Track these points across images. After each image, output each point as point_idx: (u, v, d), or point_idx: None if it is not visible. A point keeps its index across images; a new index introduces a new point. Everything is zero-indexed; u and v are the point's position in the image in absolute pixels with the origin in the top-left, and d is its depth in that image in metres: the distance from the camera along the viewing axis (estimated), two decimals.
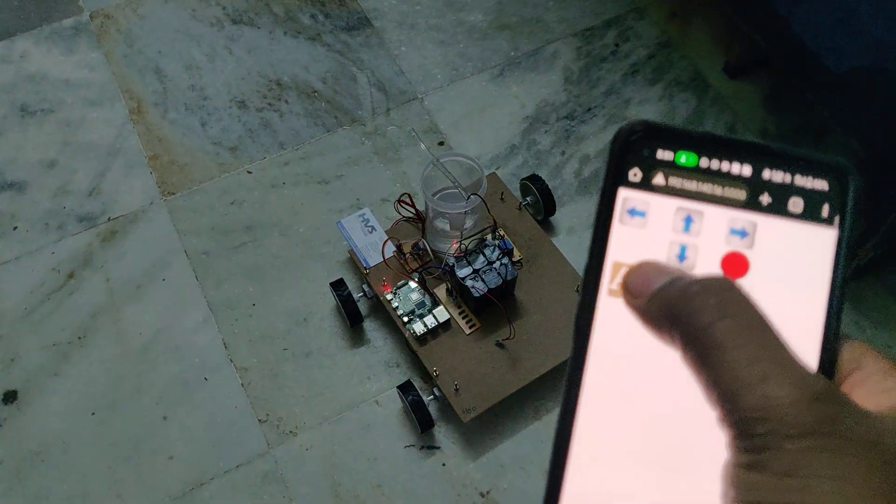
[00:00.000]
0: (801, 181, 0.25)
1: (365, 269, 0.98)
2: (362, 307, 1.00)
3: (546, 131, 1.15)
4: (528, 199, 1.05)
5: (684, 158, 0.25)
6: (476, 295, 0.92)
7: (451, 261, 0.94)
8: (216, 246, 1.06)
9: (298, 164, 1.12)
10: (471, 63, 1.21)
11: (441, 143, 1.13)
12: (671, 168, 0.25)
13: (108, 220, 1.08)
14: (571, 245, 1.05)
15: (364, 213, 1.02)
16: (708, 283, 0.23)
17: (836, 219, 0.25)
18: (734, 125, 1.15)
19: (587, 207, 1.09)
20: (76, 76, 1.19)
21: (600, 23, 1.24)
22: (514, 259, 0.98)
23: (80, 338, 1.00)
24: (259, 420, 0.95)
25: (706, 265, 0.25)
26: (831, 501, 0.20)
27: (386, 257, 0.98)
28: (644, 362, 0.25)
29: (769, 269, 0.25)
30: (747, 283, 0.25)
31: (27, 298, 1.02)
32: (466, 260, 0.94)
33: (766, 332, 0.22)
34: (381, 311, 1.00)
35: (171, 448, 0.94)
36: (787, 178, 0.25)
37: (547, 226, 1.07)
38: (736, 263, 0.25)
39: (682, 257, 0.25)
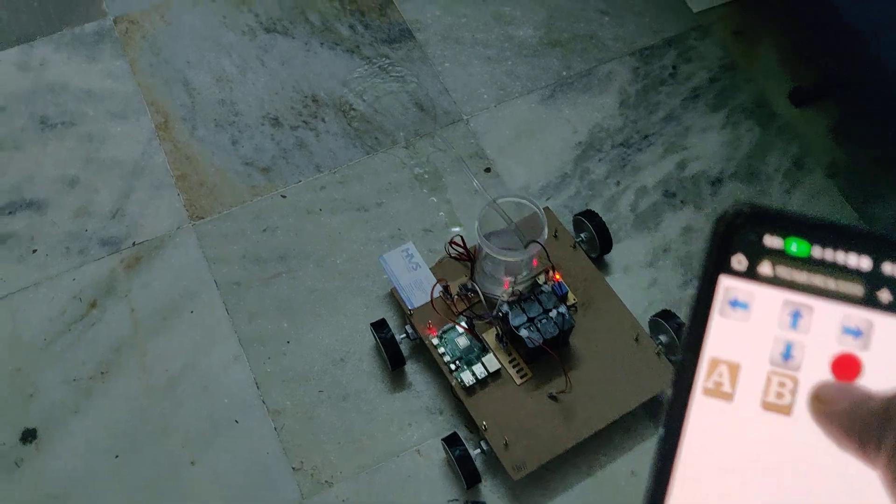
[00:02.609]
0: None
1: (409, 309, 0.97)
2: (404, 348, 0.98)
3: (600, 159, 1.13)
4: (582, 235, 1.04)
5: (795, 247, 0.24)
6: (531, 346, 0.90)
7: (505, 308, 0.92)
8: (248, 276, 1.04)
9: (336, 188, 1.11)
10: (519, 82, 1.19)
11: (488, 170, 1.12)
12: (780, 257, 0.24)
13: (133, 244, 1.07)
14: (627, 285, 1.04)
15: (408, 248, 1.01)
16: None
17: None
18: (801, 158, 1.13)
19: (644, 244, 1.07)
20: (99, 86, 1.18)
21: (659, 41, 1.22)
22: (568, 303, 0.97)
23: (102, 373, 0.98)
24: (293, 468, 0.94)
25: (814, 366, 0.24)
26: None
27: (432, 298, 0.96)
28: (740, 472, 0.23)
29: (884, 374, 0.23)
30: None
31: (47, 328, 1.01)
32: (520, 306, 0.92)
33: None
34: (424, 352, 0.99)
35: (199, 495, 0.93)
36: None
37: (601, 263, 1.05)
38: (847, 366, 0.24)
39: (787, 356, 0.24)
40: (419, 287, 0.98)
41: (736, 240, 0.24)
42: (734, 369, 0.24)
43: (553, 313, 0.92)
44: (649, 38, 1.22)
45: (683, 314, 1.02)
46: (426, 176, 1.11)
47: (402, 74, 1.19)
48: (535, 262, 0.94)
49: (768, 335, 0.24)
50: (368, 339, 1.00)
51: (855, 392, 0.23)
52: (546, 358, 0.93)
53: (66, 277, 1.04)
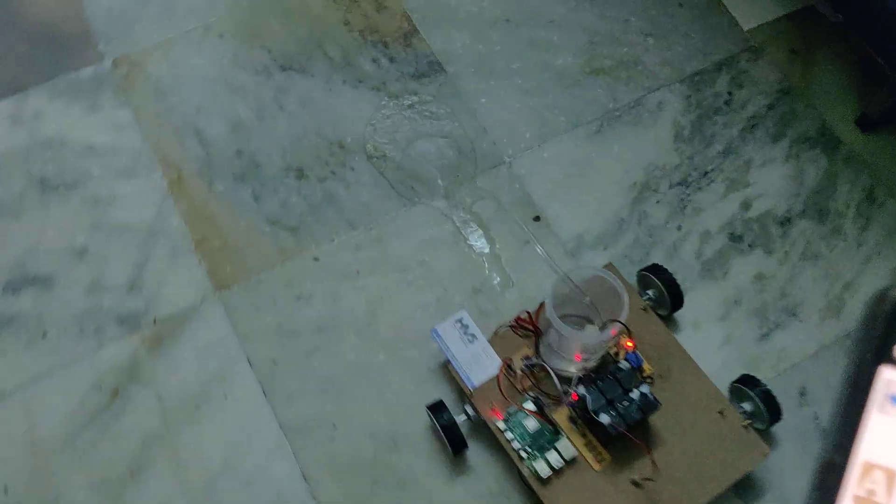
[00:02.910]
0: None
1: (470, 390, 0.88)
2: (464, 428, 0.89)
3: (658, 201, 1.04)
4: (649, 292, 0.95)
5: None
6: (613, 433, 0.82)
7: (581, 390, 0.83)
8: (284, 352, 0.95)
9: (372, 247, 1.01)
10: (563, 117, 1.09)
11: (537, 219, 1.02)
12: None
13: (154, 321, 0.97)
14: (698, 344, 0.95)
15: (461, 318, 0.92)
16: None
17: None
18: (873, 189, 1.05)
19: (713, 295, 0.98)
20: (102, 140, 1.07)
21: (710, 65, 1.13)
22: (644, 375, 0.88)
23: (132, 473, 0.89)
24: None
25: None
26: None
27: (495, 376, 0.87)
28: None
29: None
30: None
31: (66, 423, 0.91)
32: (596, 386, 0.84)
33: None
34: (484, 431, 0.90)
35: None
36: None
37: (668, 321, 0.96)
38: None
39: None
40: (478, 362, 0.89)
41: None
42: (892, 477, 0.21)
43: (634, 394, 0.84)
44: (699, 61, 1.13)
45: (762, 372, 0.94)
46: (470, 228, 1.02)
47: (435, 113, 1.10)
48: (612, 332, 0.86)
49: None
50: (421, 416, 0.91)
51: None
52: (625, 438, 0.84)
53: (83, 363, 0.94)
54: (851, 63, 1.14)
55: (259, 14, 1.16)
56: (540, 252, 0.98)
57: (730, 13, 1.16)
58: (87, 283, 0.99)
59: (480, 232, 1.02)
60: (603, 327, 0.83)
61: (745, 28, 1.16)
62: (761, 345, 0.96)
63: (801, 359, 0.95)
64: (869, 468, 0.21)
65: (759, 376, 0.94)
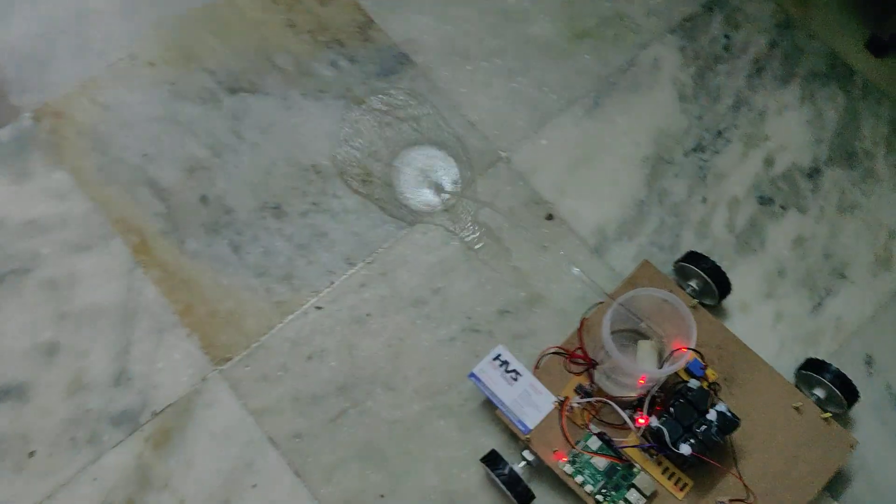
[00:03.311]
0: None
1: (525, 435, 0.79)
2: (525, 475, 0.80)
3: (676, 174, 0.94)
4: (691, 284, 0.86)
5: None
6: (695, 465, 0.74)
7: (655, 423, 0.75)
8: (308, 423, 0.84)
9: (378, 283, 0.90)
10: (554, 95, 0.98)
11: (550, 217, 0.92)
12: None
13: (153, 414, 0.85)
14: (751, 328, 0.88)
15: (499, 354, 0.82)
16: None
17: None
18: None
19: (755, 270, 0.90)
20: (43, 212, 0.93)
21: (699, 8, 1.02)
22: (710, 381, 0.80)
23: None
24: None
25: None
26: None
27: (549, 415, 0.78)
28: None
29: None
30: None
31: None
32: (669, 413, 0.75)
33: None
34: (548, 473, 0.81)
35: None
36: None
37: (716, 311, 0.88)
38: None
39: None
40: (528, 401, 0.80)
41: None
42: None
43: (711, 415, 0.76)
44: (686, 4, 1.02)
45: (823, 346, 0.86)
46: (481, 241, 0.91)
47: (414, 115, 0.97)
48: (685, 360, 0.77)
49: None
50: (476, 469, 0.82)
51: None
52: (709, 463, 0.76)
53: (83, 479, 0.83)
54: None
55: (189, 31, 1.00)
56: (577, 274, 0.88)
57: None
58: (67, 385, 0.86)
59: (492, 244, 0.91)
60: (658, 348, 0.74)
61: None
62: (815, 316, 0.89)
63: (859, 324, 0.88)
64: None
65: (821, 352, 0.87)
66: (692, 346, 0.72)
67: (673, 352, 0.76)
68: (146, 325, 0.88)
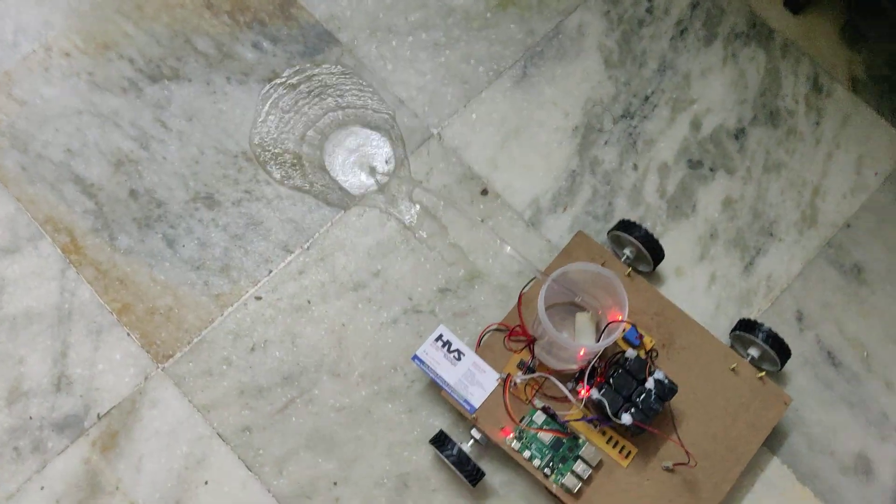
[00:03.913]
0: None
1: (471, 414, 0.79)
2: (474, 454, 0.80)
3: (606, 142, 0.93)
4: (626, 252, 0.86)
5: None
6: (637, 433, 0.75)
7: (595, 394, 0.75)
8: (256, 416, 0.83)
9: (317, 269, 0.88)
10: (482, 67, 0.96)
11: (484, 192, 0.91)
12: None
13: (98, 418, 0.83)
14: (686, 292, 0.88)
15: (441, 335, 0.81)
16: None
17: None
18: (817, 77, 0.97)
19: (688, 235, 0.91)
20: None
21: None
22: (648, 349, 0.81)
23: None
24: None
25: None
26: None
27: (493, 393, 0.78)
28: None
29: None
30: None
31: None
32: (608, 384, 0.76)
33: None
34: (497, 449, 0.81)
35: None
36: None
37: (651, 276, 0.88)
38: None
39: None
40: (472, 380, 0.80)
41: None
42: None
43: (649, 383, 0.76)
44: None
45: (755, 305, 0.88)
46: (417, 221, 0.90)
47: (341, 93, 0.94)
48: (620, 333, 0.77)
49: None
50: (427, 449, 0.82)
51: None
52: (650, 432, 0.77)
53: (31, 489, 0.80)
54: None
55: (105, 18, 0.95)
56: (511, 253, 0.87)
57: None
58: (5, 394, 0.83)
59: (429, 223, 0.90)
60: (594, 320, 0.75)
61: None
62: (748, 276, 0.90)
63: (789, 281, 0.90)
64: None
65: (754, 311, 0.88)
66: (625, 317, 0.72)
67: (609, 323, 0.76)
68: (83, 327, 0.85)
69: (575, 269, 0.74)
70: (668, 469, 0.78)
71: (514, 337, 0.80)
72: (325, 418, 0.83)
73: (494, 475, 0.82)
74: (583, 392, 0.77)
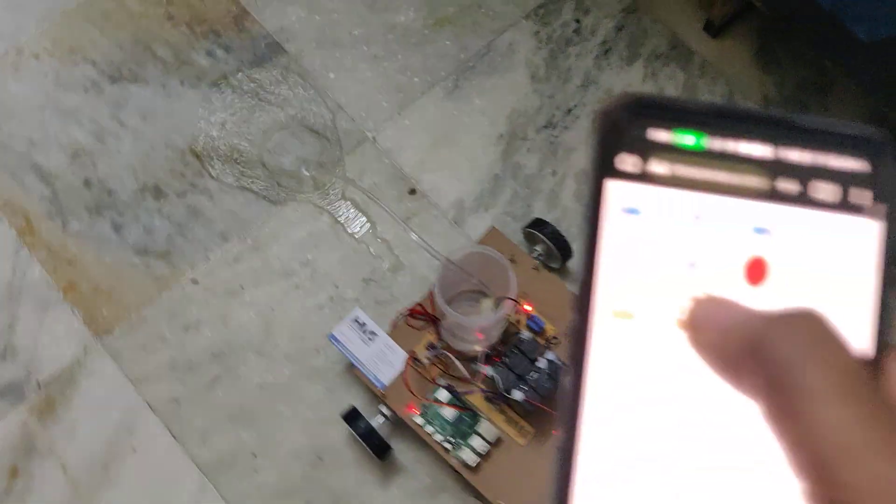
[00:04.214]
0: (837, 161, 0.21)
1: (381, 390, 0.84)
2: (384, 431, 0.85)
3: (528, 149, 0.99)
4: (537, 248, 0.91)
5: (687, 139, 0.21)
6: (529, 409, 0.80)
7: (489, 371, 0.80)
8: (184, 389, 0.88)
9: (251, 257, 0.94)
10: (417, 77, 1.02)
11: (413, 192, 0.97)
12: (673, 152, 0.21)
13: (39, 386, 0.88)
14: None
15: (357, 316, 0.86)
16: (800, 321, 0.19)
17: (881, 208, 0.21)
18: (731, 95, 1.03)
19: None
20: None
21: None
22: (548, 337, 0.86)
23: None
24: None
25: (719, 268, 0.21)
26: None
27: (402, 372, 0.83)
28: (650, 390, 0.21)
29: (795, 274, 0.21)
30: (768, 291, 0.21)
31: None
32: (504, 363, 0.81)
33: (863, 384, 0.18)
34: (407, 427, 0.86)
35: None
36: (817, 158, 0.21)
37: (564, 273, 0.94)
38: (754, 268, 0.21)
39: (689, 263, 0.21)
40: (383, 359, 0.85)
41: (620, 137, 0.21)
42: (636, 283, 0.21)
43: (541, 363, 0.81)
44: None
45: None
46: (347, 216, 0.96)
47: (285, 99, 1.01)
48: (505, 310, 0.82)
49: (667, 242, 0.21)
50: (342, 426, 0.87)
51: (730, 312, 0.20)
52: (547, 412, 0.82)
53: None
54: None
55: (74, 25, 1.03)
56: (415, 238, 0.93)
57: None
58: None
59: (359, 218, 0.96)
60: (496, 305, 0.80)
61: None
62: None
63: None
64: (615, 278, 0.21)
65: None
66: (512, 296, 0.78)
67: (498, 298, 0.81)
68: (31, 303, 0.92)
69: (468, 252, 0.80)
70: None
71: (416, 315, 0.85)
72: (249, 394, 0.89)
73: (404, 452, 0.87)
74: (483, 371, 0.82)
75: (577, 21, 1.06)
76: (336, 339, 0.86)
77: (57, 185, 0.96)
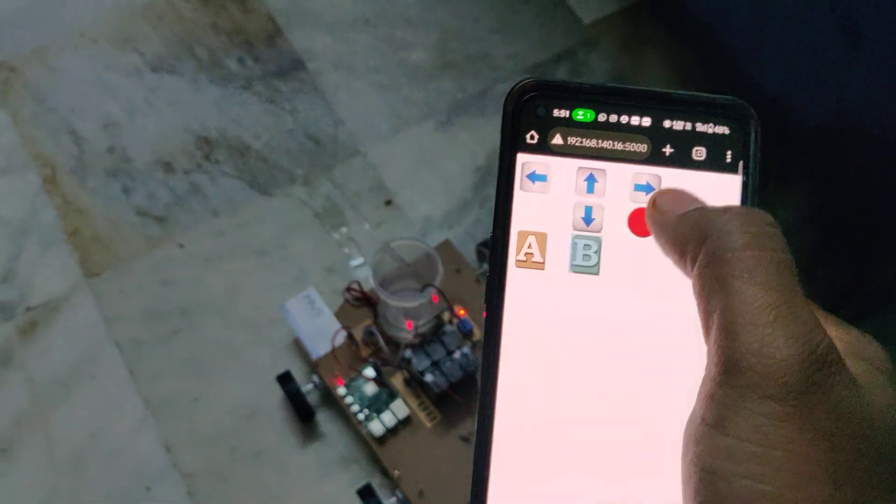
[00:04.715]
0: (703, 127, 0.25)
1: (314, 359, 0.92)
2: (313, 398, 0.94)
3: None
4: (484, 265, 1.00)
5: (581, 115, 0.25)
6: (436, 391, 0.87)
7: (408, 353, 0.88)
8: (149, 334, 0.99)
9: (235, 233, 1.05)
10: (416, 108, 1.14)
11: (388, 203, 1.07)
12: (569, 126, 0.25)
13: (27, 309, 1.00)
14: None
15: (309, 294, 0.96)
16: (751, 212, 0.22)
17: (740, 165, 0.25)
18: None
19: None
20: None
21: (551, 57, 1.18)
22: (474, 340, 0.94)
23: (3, 450, 0.92)
24: None
25: (613, 225, 0.25)
26: (777, 478, 0.20)
27: (336, 346, 0.92)
28: (559, 334, 0.24)
29: None
30: (649, 242, 0.25)
31: None
32: (424, 350, 0.89)
33: (791, 277, 0.21)
34: (335, 400, 0.94)
35: None
36: (688, 125, 0.25)
37: None
38: (643, 221, 0.25)
39: (588, 219, 0.25)
40: (323, 334, 0.94)
41: (525, 116, 0.25)
42: (542, 239, 0.25)
43: (457, 354, 0.89)
44: (540, 53, 1.19)
45: None
46: (326, 214, 1.06)
47: (296, 108, 1.14)
48: (435, 299, 0.90)
49: (568, 202, 0.25)
50: (278, 390, 0.96)
51: (688, 198, 0.24)
52: (455, 398, 0.89)
53: None
54: (677, 54, 1.20)
55: (132, 20, 1.19)
56: (367, 228, 1.03)
57: (570, 8, 1.22)
58: None
59: (336, 217, 1.06)
60: (422, 290, 0.88)
61: (587, 21, 1.21)
62: None
63: None
64: (524, 235, 0.25)
65: None
66: (437, 284, 0.86)
67: (425, 286, 0.89)
68: (38, 239, 1.04)
69: (406, 243, 0.89)
70: (463, 439, 0.89)
71: (352, 291, 0.93)
72: (204, 349, 0.98)
73: (326, 423, 0.94)
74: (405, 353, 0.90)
75: None
76: (286, 310, 0.95)
77: (85, 147, 1.10)
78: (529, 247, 0.25)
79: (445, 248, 1.00)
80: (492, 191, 1.05)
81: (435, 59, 1.18)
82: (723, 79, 1.05)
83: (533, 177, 0.25)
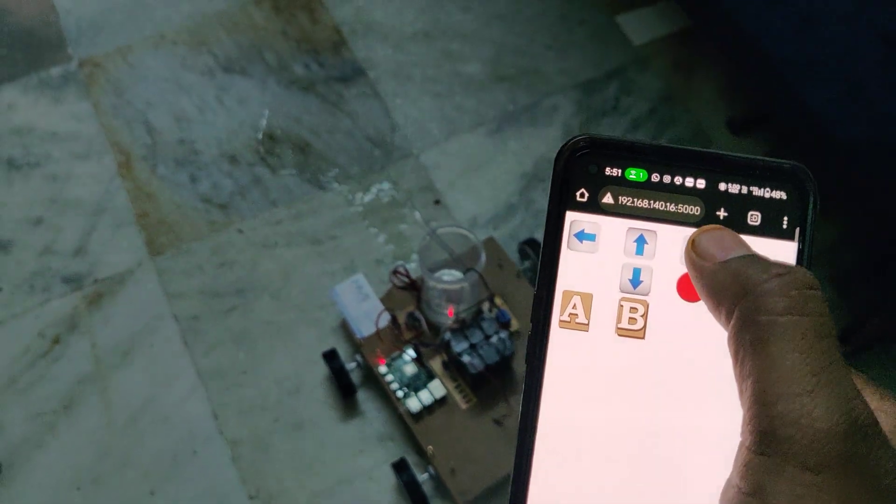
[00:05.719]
0: (759, 192, 0.24)
1: (359, 339, 0.98)
2: (356, 377, 0.99)
3: (544, 190, 1.14)
4: (527, 263, 1.05)
5: (634, 174, 0.24)
6: (473, 372, 0.91)
7: (447, 335, 0.93)
8: (205, 310, 1.05)
9: (291, 223, 1.11)
10: (468, 117, 1.20)
11: (437, 202, 1.13)
12: (620, 185, 0.24)
13: (95, 281, 1.07)
14: None
15: (357, 280, 1.01)
16: (795, 273, 0.21)
17: (797, 231, 0.24)
18: None
19: None
20: (64, 128, 1.19)
21: (602, 74, 1.23)
22: (511, 330, 0.98)
23: (65, 407, 0.99)
24: (249, 496, 0.94)
25: (661, 288, 0.24)
26: None
27: (380, 328, 0.97)
28: (601, 397, 0.24)
29: None
30: (705, 307, 0.23)
31: (11, 366, 1.01)
32: (463, 333, 0.93)
33: (831, 343, 0.21)
34: (375, 380, 0.99)
35: None
36: (745, 189, 0.24)
37: None
38: (692, 285, 0.24)
39: (635, 282, 0.24)
40: (369, 317, 0.99)
41: (576, 173, 0.24)
42: (587, 300, 0.24)
43: (494, 339, 0.93)
44: (592, 70, 1.24)
45: None
46: (378, 209, 1.12)
47: (356, 111, 1.21)
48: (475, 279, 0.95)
49: (616, 263, 0.24)
50: (322, 368, 1.01)
51: (730, 244, 0.23)
52: (492, 384, 0.93)
53: (30, 315, 1.05)
54: (722, 77, 1.24)
55: (209, 26, 1.28)
56: (418, 217, 1.08)
57: (622, 31, 1.27)
58: (40, 248, 1.09)
59: (387, 212, 1.12)
60: (464, 275, 0.93)
61: (636, 43, 1.27)
62: None
63: None
64: (569, 296, 0.24)
65: None
66: (479, 269, 0.91)
67: (467, 270, 0.94)
68: (110, 219, 1.12)
69: (450, 231, 0.94)
70: (496, 422, 0.93)
71: (398, 274, 0.98)
72: (256, 326, 1.04)
73: (367, 401, 0.99)
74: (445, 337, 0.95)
75: (617, 99, 1.21)
76: (336, 294, 1.01)
77: (157, 138, 1.18)
78: (574, 307, 0.24)
79: (489, 244, 1.05)
80: (537, 196, 1.10)
81: (488, 72, 1.24)
82: (770, 97, 1.09)
83: (581, 236, 0.24)
